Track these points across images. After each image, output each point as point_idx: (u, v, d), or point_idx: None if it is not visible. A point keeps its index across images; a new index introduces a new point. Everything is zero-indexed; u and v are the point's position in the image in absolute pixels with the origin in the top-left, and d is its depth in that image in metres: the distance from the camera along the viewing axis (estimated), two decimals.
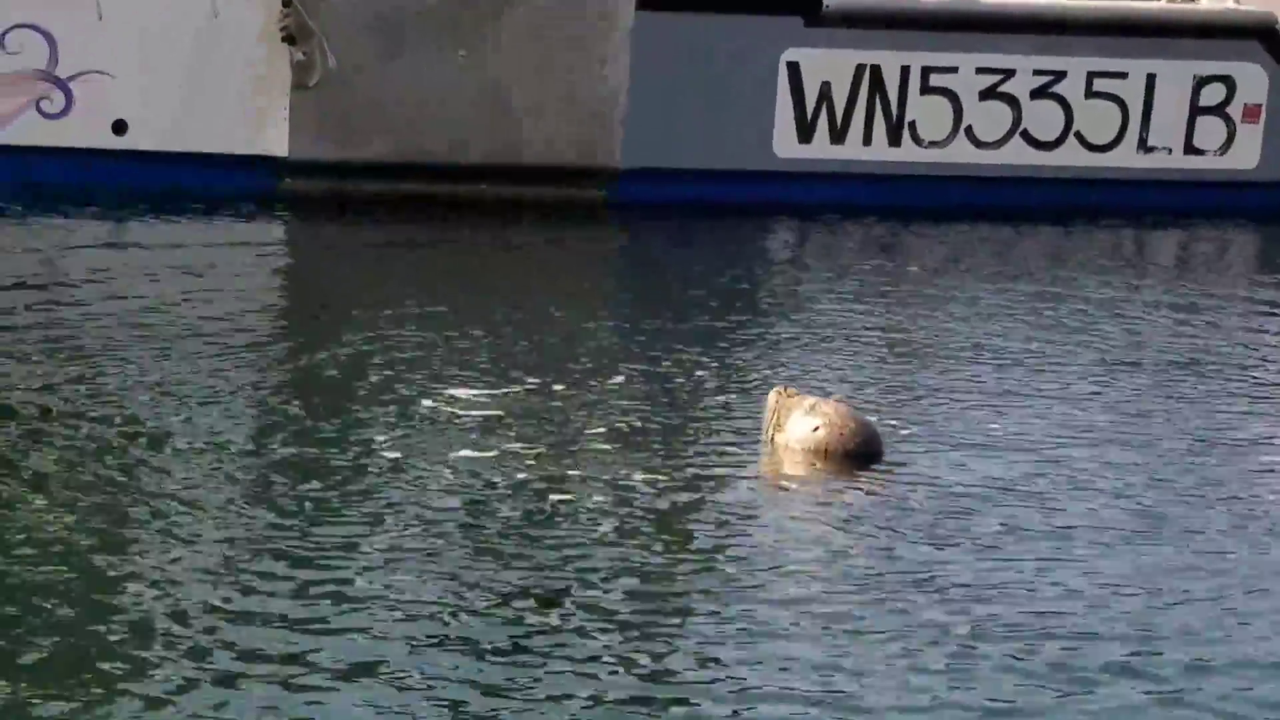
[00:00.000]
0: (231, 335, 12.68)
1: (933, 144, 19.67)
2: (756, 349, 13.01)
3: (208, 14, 18.15)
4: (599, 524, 8.93)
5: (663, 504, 9.27)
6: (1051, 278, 16.57)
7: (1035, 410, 11.57)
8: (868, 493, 9.69)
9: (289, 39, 18.19)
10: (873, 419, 10.65)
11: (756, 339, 13.40)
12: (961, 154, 19.69)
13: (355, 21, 18.33)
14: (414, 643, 7.44)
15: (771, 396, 10.51)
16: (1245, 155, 20.04)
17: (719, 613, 7.95)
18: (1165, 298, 15.96)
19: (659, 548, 8.66)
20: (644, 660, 7.42)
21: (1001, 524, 9.25)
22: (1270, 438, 11.32)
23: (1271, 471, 10.52)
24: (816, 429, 10.21)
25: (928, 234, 18.62)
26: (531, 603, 7.89)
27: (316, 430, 10.40)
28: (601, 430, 10.55)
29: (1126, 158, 19.92)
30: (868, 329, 13.84)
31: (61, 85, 18.01)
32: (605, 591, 8.10)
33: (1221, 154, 20.05)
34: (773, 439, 10.38)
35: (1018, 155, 19.75)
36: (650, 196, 18.86)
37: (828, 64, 19.45)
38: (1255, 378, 12.93)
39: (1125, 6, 20.28)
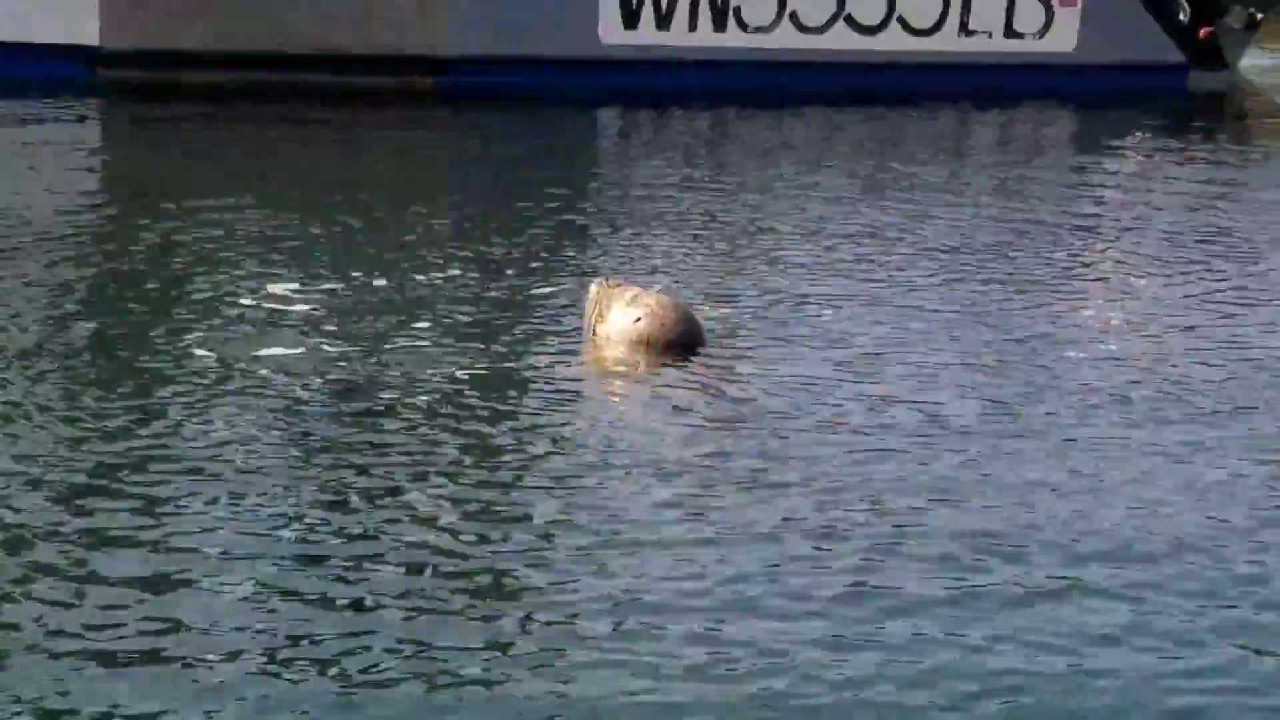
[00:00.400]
0: (43, 227, 12.46)
1: (758, 30, 19.69)
2: (580, 240, 12.98)
3: None
4: (422, 421, 8.86)
5: (485, 400, 9.22)
6: (877, 163, 16.68)
7: (861, 298, 11.63)
8: (691, 383, 9.70)
9: None
10: (695, 309, 10.67)
11: (581, 229, 13.37)
12: (786, 40, 19.73)
13: None
14: (230, 548, 7.34)
15: (593, 288, 10.47)
16: (1063, 38, 20.24)
17: (547, 508, 7.93)
18: (988, 180, 16.12)
19: (482, 444, 8.62)
20: (473, 556, 7.40)
21: (829, 413, 9.30)
22: (1097, 320, 11.47)
23: (1110, 359, 10.62)
24: (638, 320, 10.19)
25: (753, 120, 18.66)
26: (354, 503, 7.83)
27: (127, 327, 10.23)
28: (424, 325, 10.49)
29: (948, 42, 20.05)
30: (693, 217, 13.85)
31: None
32: (431, 491, 8.06)
33: (1040, 37, 20.24)
34: (595, 331, 10.36)
35: (841, 40, 19.81)
36: (477, 84, 18.76)
37: None
38: (1077, 259, 13.11)
39: None
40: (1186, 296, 12.00)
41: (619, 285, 10.45)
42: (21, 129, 16.48)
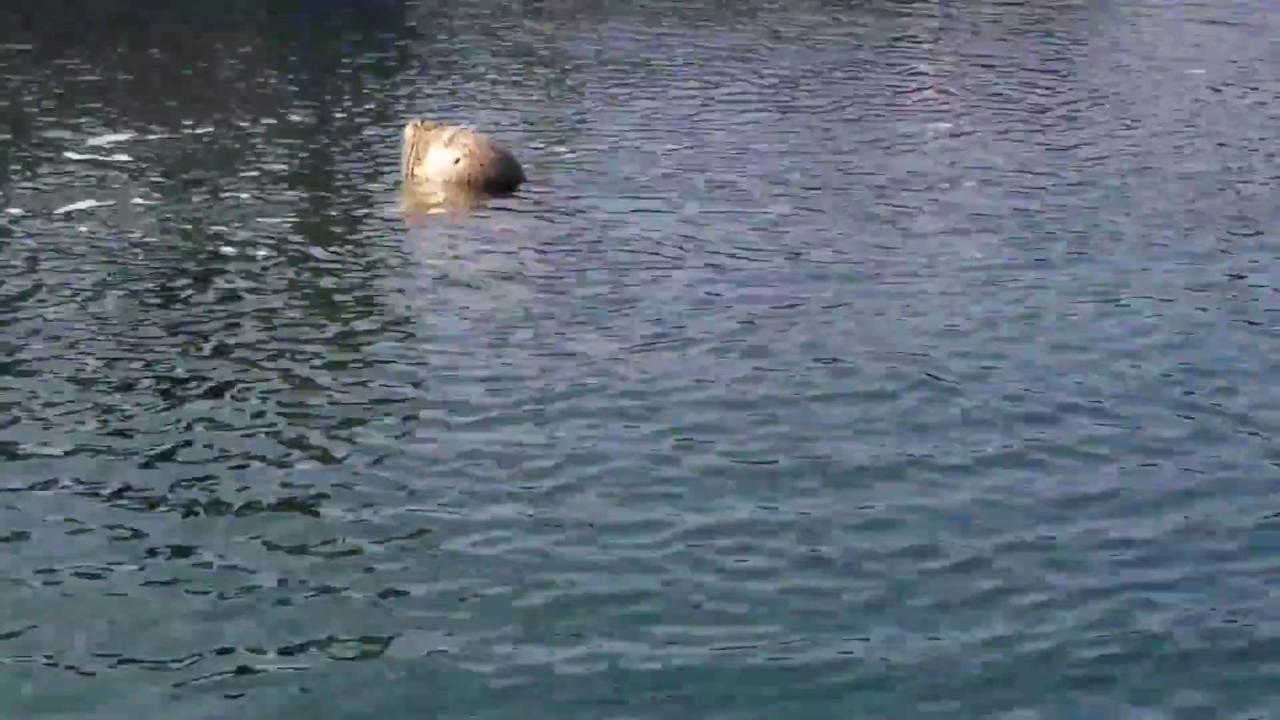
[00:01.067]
0: None
1: None
2: (398, 77, 12.94)
3: None
4: (243, 273, 8.83)
5: (309, 249, 9.19)
6: None
7: (684, 131, 11.74)
8: (510, 223, 9.80)
9: None
10: (510, 147, 10.76)
11: (396, 68, 13.32)
12: None
13: None
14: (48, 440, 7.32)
15: (409, 130, 10.48)
16: None
17: (384, 352, 7.93)
18: None
19: (308, 293, 8.60)
20: (295, 408, 7.43)
21: (640, 242, 9.43)
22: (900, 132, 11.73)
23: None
24: (457, 161, 10.27)
25: None
26: (174, 370, 7.73)
27: None
28: (248, 174, 10.48)
29: None
30: (511, 52, 13.87)
31: None
32: (259, 343, 8.04)
33: None
34: (413, 173, 10.41)
35: None
36: None
37: None
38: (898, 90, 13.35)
39: None
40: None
41: (434, 126, 10.49)
42: None
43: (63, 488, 6.49)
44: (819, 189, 10.57)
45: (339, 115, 11.87)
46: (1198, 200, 10.36)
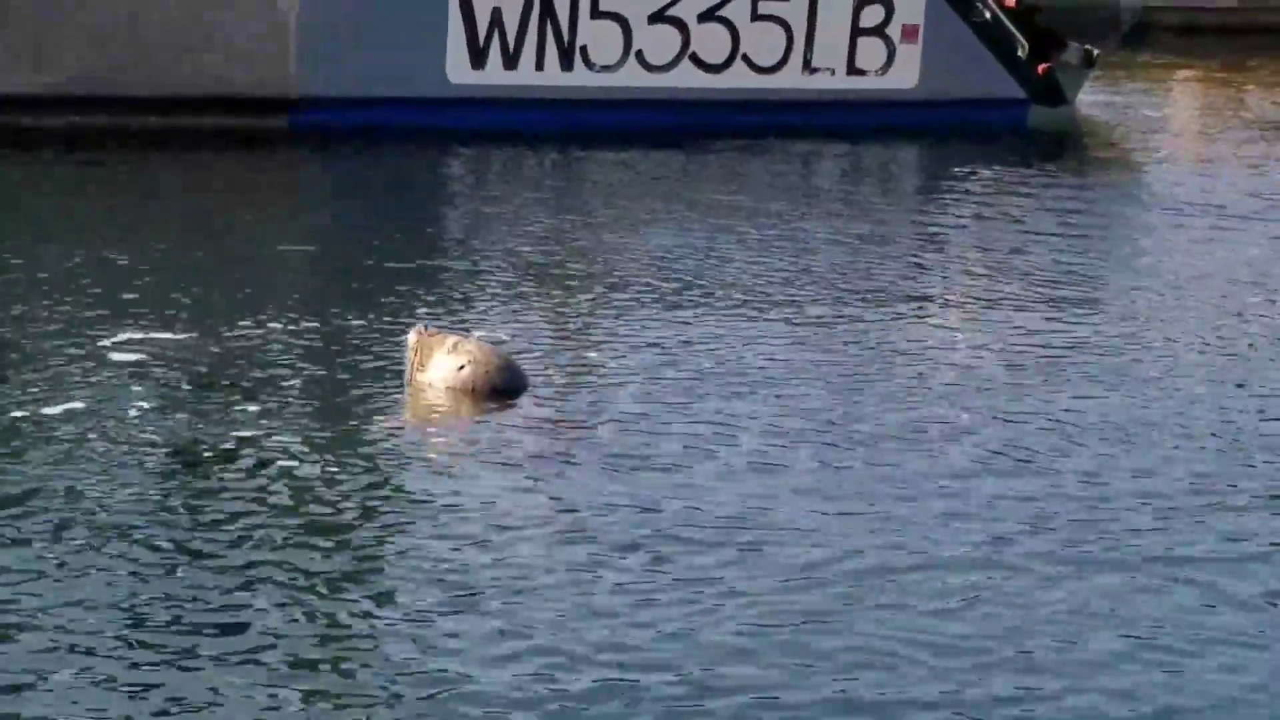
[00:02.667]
0: None
1: (604, 69, 19.95)
2: (408, 284, 13.04)
3: None
4: (244, 483, 8.89)
5: (310, 459, 9.22)
6: (717, 200, 16.91)
7: (693, 337, 11.86)
8: (515, 430, 9.88)
9: None
10: (516, 355, 10.85)
11: (410, 274, 13.45)
12: (632, 78, 20.00)
13: None
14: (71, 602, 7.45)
15: (411, 337, 10.56)
16: (905, 75, 20.63)
17: (392, 562, 8.06)
18: (828, 215, 16.42)
19: (308, 506, 8.66)
20: (299, 615, 7.53)
21: (661, 451, 9.53)
22: (930, 347, 11.82)
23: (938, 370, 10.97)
24: (462, 368, 10.33)
25: (599, 159, 18.88)
26: (193, 570, 7.87)
27: None
28: (251, 376, 10.54)
29: (791, 80, 20.39)
30: (524, 260, 14.03)
31: None
32: (256, 554, 8.15)
33: (882, 74, 20.62)
34: (415, 379, 10.45)
35: (687, 79, 20.11)
36: (329, 124, 18.90)
37: None
38: (916, 288, 13.47)
39: None
40: (1015, 324, 12.41)
41: (437, 334, 10.56)
42: None
43: None
44: (835, 380, 10.64)
45: (344, 317, 11.93)
46: None
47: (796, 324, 12.34)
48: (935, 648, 7.45)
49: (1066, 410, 10.58)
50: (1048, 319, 12.74)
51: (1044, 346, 12.02)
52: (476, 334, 10.98)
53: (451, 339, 10.50)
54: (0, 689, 6.79)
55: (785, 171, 19.07)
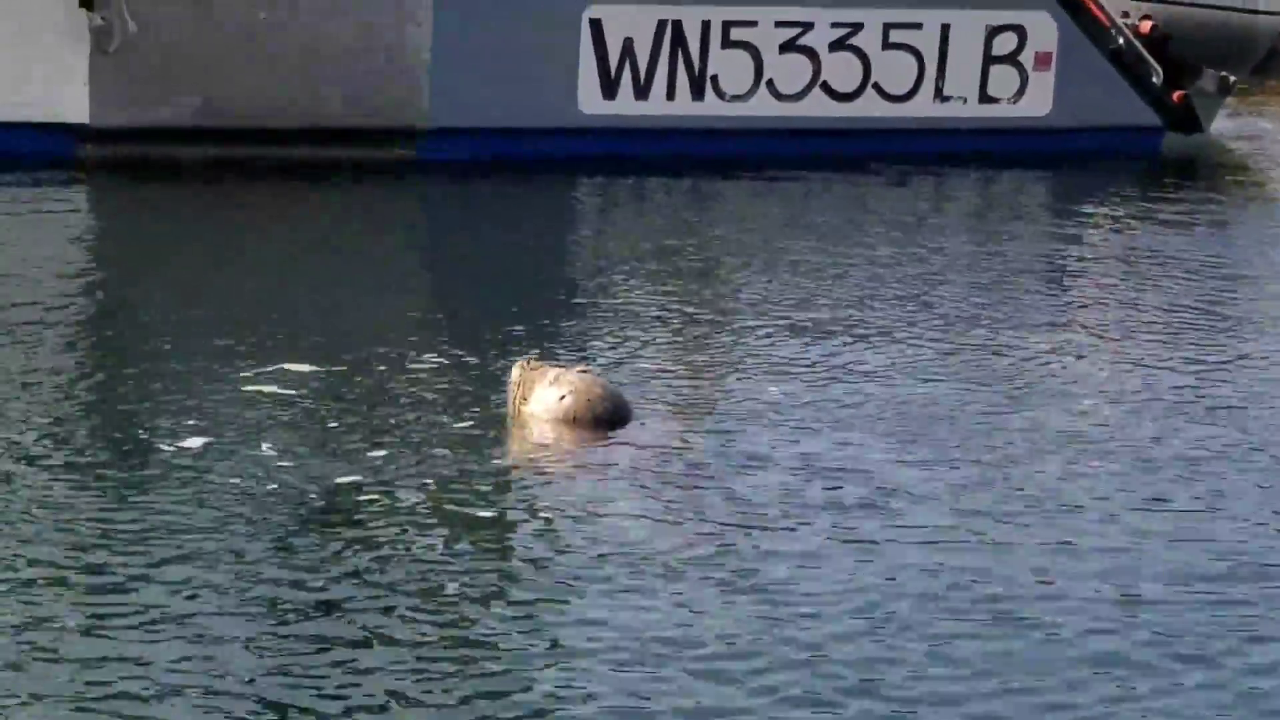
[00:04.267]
0: (27, 312, 12.67)
1: (735, 98, 19.94)
2: (532, 318, 13.01)
3: None
4: (353, 518, 8.93)
5: (413, 491, 9.28)
6: (849, 229, 16.87)
7: (810, 368, 11.81)
8: (617, 461, 9.85)
9: (87, 4, 18.14)
10: (624, 386, 10.83)
11: (534, 308, 13.43)
12: (763, 107, 19.97)
13: None
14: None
15: (515, 371, 10.57)
16: (1038, 102, 20.47)
17: (513, 593, 8.10)
18: (961, 245, 16.34)
19: (414, 539, 8.71)
20: (409, 643, 7.57)
21: (774, 487, 9.50)
22: (1075, 382, 11.69)
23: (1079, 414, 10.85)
24: (563, 398, 10.33)
25: (725, 189, 18.88)
26: (317, 611, 7.92)
27: (113, 414, 10.41)
28: (371, 416, 10.54)
29: (924, 107, 20.29)
30: (648, 292, 14.00)
31: None
32: (370, 590, 8.20)
33: (1015, 102, 20.48)
34: (519, 412, 10.44)
35: (818, 107, 20.05)
36: (458, 154, 19.00)
37: (630, 20, 19.64)
38: (1049, 321, 13.36)
39: None
40: (1154, 357, 12.29)
41: (540, 367, 10.57)
42: (6, 205, 16.71)
43: None
44: (943, 421, 10.54)
45: (470, 350, 11.93)
46: None
47: (921, 354, 12.24)
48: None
49: (1206, 446, 10.43)
50: (1187, 350, 12.57)
51: (1186, 377, 11.84)
52: (579, 366, 10.96)
53: (553, 371, 10.50)
54: None
55: (915, 200, 18.99)
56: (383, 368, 11.45)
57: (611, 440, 10.18)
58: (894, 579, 8.44)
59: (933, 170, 19.69)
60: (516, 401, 10.47)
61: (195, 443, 9.84)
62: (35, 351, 11.65)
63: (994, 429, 10.64)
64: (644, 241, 16.20)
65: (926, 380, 11.66)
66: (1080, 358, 12.39)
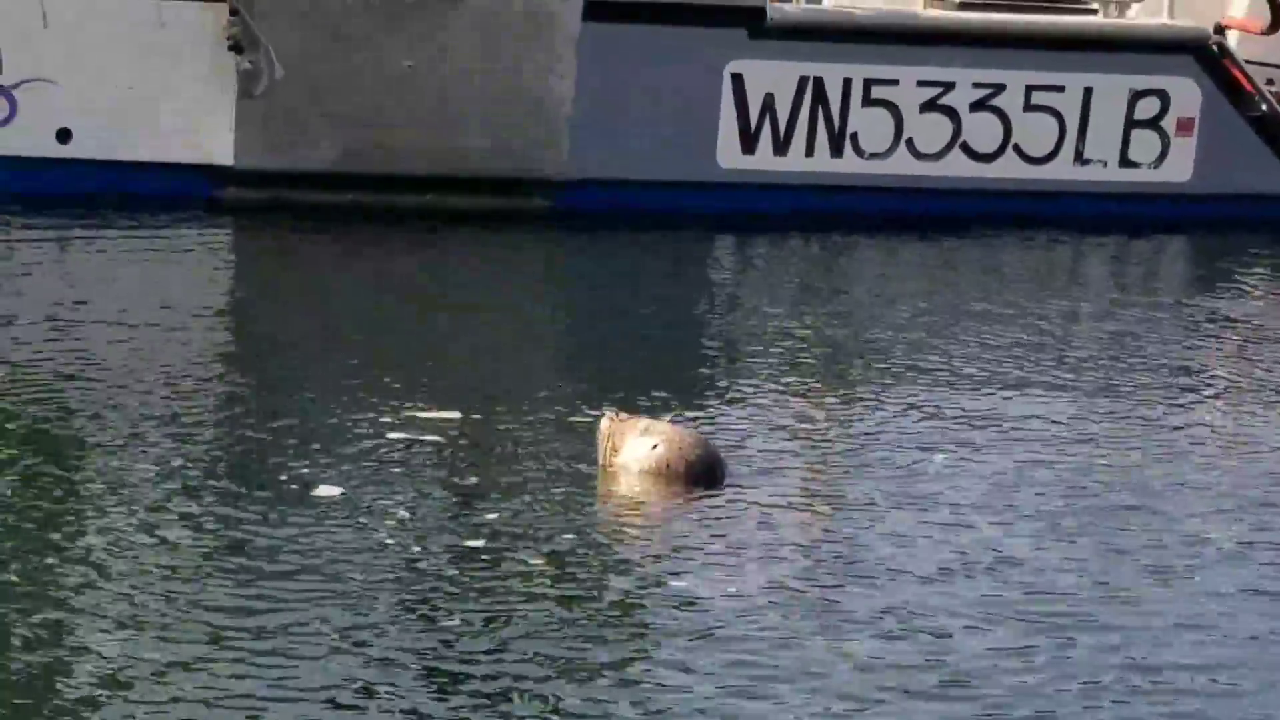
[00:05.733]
0: (170, 352, 12.85)
1: (874, 155, 19.92)
2: (651, 371, 13.08)
3: (154, 22, 18.33)
4: (492, 580, 9.00)
5: (511, 548, 9.32)
6: (984, 291, 16.80)
7: (917, 434, 11.73)
8: (708, 514, 9.84)
9: (235, 48, 18.37)
10: (711, 439, 10.79)
11: (653, 360, 13.54)
12: (903, 166, 19.94)
13: (302, 30, 18.54)
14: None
15: (604, 423, 10.56)
16: (1179, 168, 20.32)
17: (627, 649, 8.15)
18: (1096, 314, 16.23)
19: (511, 600, 8.76)
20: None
21: (891, 530, 9.48)
22: (1208, 457, 11.54)
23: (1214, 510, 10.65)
24: (655, 447, 10.30)
25: (865, 246, 18.87)
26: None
27: (249, 457, 10.54)
28: (491, 467, 10.56)
29: (1064, 170, 20.19)
30: (769, 349, 13.99)
31: (6, 93, 18.21)
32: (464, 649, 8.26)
33: (1156, 167, 20.33)
34: (610, 463, 10.41)
35: (957, 168, 20.00)
36: (595, 206, 19.09)
37: (771, 76, 19.68)
38: (1187, 391, 13.22)
39: (1063, 21, 20.52)
40: None
41: (629, 418, 10.54)
42: (149, 249, 16.95)
43: None
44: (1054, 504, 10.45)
45: (588, 402, 11.94)
46: None
47: (1043, 413, 12.11)
48: None
49: None
50: None
51: None
52: (667, 418, 10.94)
53: (643, 422, 10.50)
54: None
55: (1051, 262, 18.91)
56: (512, 417, 11.46)
57: (699, 496, 10.14)
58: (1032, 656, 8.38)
59: (1069, 233, 19.58)
60: (606, 452, 10.43)
61: (327, 491, 9.92)
62: (175, 391, 11.79)
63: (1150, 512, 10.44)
64: (777, 297, 16.23)
65: (1043, 438, 11.57)
66: (1206, 443, 12.15)
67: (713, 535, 9.56)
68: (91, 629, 8.04)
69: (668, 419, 10.80)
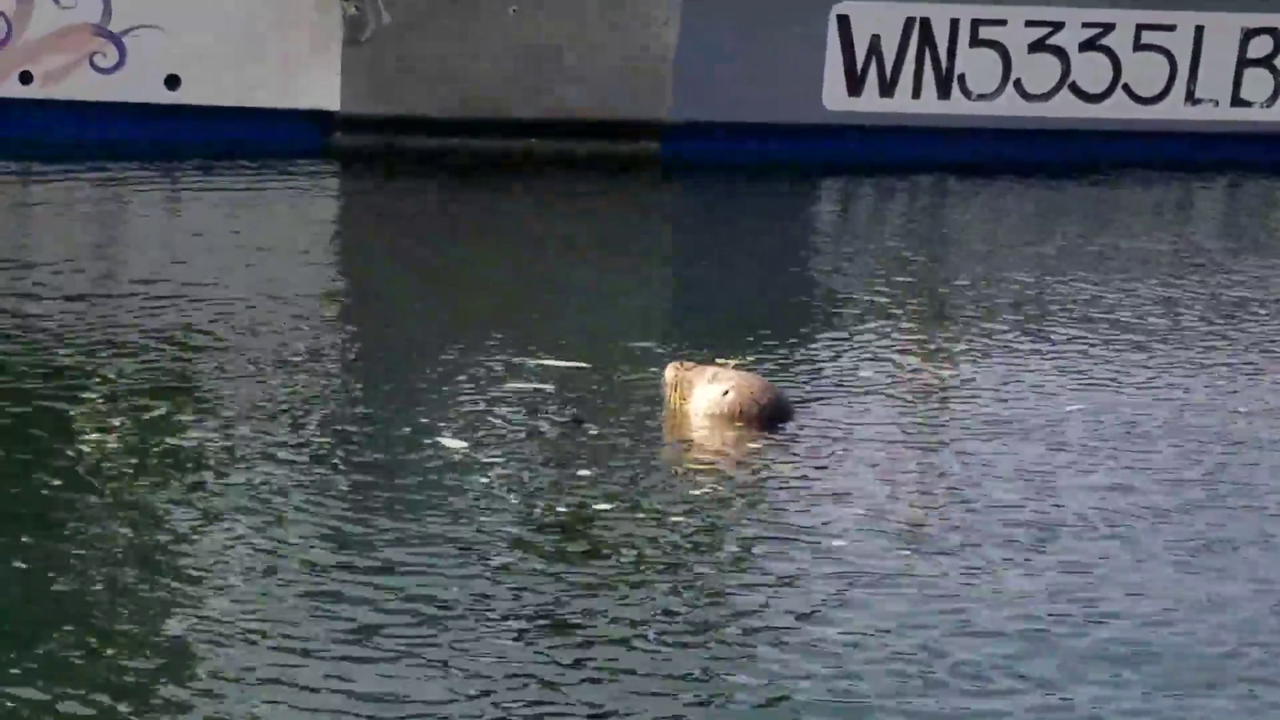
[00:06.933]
0: (281, 300, 12.88)
1: (981, 97, 19.76)
2: (739, 319, 13.00)
3: None
4: (607, 536, 8.93)
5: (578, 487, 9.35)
6: (1089, 236, 16.64)
7: (991, 382, 11.58)
8: (783, 458, 9.82)
9: None
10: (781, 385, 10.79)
11: (743, 307, 13.47)
12: (1010, 107, 19.78)
13: None
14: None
15: (669, 371, 10.57)
16: None
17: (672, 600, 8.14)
18: (1201, 256, 16.03)
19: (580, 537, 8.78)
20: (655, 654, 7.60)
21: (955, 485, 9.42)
22: None
23: None
24: (726, 393, 10.31)
25: (966, 191, 18.75)
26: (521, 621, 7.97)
27: (363, 409, 10.50)
28: (586, 420, 10.52)
29: (1174, 110, 19.97)
30: (864, 296, 13.89)
31: (115, 40, 18.34)
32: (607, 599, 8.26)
33: (1268, 106, 20.07)
34: (679, 409, 10.39)
35: (1066, 109, 19.82)
36: (700, 151, 19.05)
37: (877, 16, 19.55)
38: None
39: None
40: None
41: (695, 366, 10.55)
42: (258, 195, 17.06)
43: None
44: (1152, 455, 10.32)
45: (616, 346, 11.89)
46: None
47: (1135, 373, 11.95)
48: None
49: None
50: None
51: None
52: (732, 363, 10.91)
53: (710, 370, 10.51)
54: None
55: (1161, 206, 18.73)
56: (600, 376, 11.33)
57: (771, 438, 10.11)
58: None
59: (1179, 174, 19.38)
60: (674, 399, 10.45)
61: (452, 443, 9.89)
62: (286, 344, 11.80)
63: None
64: (870, 244, 16.15)
65: (1140, 393, 11.43)
66: None
67: (767, 478, 9.52)
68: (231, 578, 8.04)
69: (732, 364, 10.82)
